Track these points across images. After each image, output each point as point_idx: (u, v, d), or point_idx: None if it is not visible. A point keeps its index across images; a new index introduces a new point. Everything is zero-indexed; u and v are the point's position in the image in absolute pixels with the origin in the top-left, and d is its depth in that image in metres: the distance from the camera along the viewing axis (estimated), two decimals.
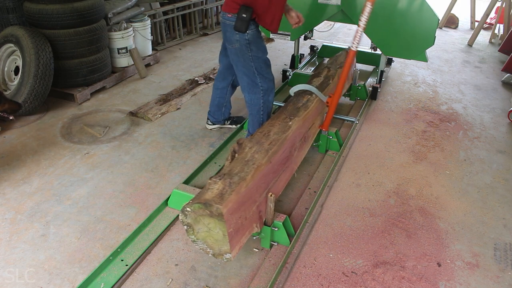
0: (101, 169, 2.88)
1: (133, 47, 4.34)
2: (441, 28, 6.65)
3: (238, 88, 3.07)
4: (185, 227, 1.83)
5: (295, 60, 4.40)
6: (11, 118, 2.81)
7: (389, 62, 4.81)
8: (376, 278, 2.11)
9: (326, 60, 4.91)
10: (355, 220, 2.49)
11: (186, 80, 4.35)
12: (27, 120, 3.46)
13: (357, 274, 2.13)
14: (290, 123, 2.51)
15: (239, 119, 3.46)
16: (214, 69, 4.63)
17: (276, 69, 4.69)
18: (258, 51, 2.73)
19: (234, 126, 3.43)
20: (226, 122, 3.43)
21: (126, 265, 2.08)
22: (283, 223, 2.22)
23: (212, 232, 1.82)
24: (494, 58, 5.42)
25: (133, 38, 4.37)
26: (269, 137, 2.31)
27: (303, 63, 4.65)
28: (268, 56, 2.83)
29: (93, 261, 2.14)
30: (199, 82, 4.29)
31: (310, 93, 2.89)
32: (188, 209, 1.78)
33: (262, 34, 2.90)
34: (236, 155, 2.17)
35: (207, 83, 4.28)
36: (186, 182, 2.64)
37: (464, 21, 6.94)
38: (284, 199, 2.66)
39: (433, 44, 3.57)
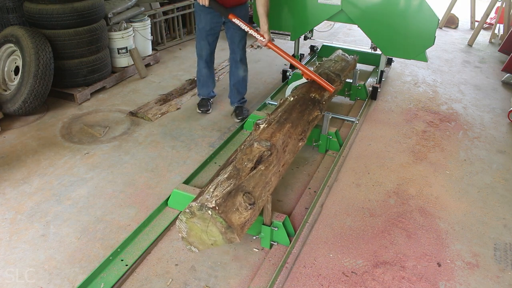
0: (101, 169, 2.88)
1: (133, 47, 4.34)
2: (441, 28, 6.65)
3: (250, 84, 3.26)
4: (187, 210, 1.78)
5: None
6: None
7: (389, 62, 4.81)
8: (376, 278, 2.11)
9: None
10: (355, 220, 2.49)
11: (186, 80, 4.35)
12: (27, 120, 3.47)
13: (357, 274, 2.13)
14: (300, 144, 2.54)
15: (240, 110, 3.54)
16: (214, 69, 4.63)
17: (276, 69, 4.70)
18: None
19: (233, 114, 3.59)
20: (233, 108, 3.65)
21: (126, 265, 2.09)
22: (283, 223, 2.22)
23: (205, 235, 1.80)
24: (494, 58, 5.41)
25: (133, 38, 4.38)
26: (285, 156, 2.30)
27: (303, 63, 4.65)
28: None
29: (93, 261, 2.14)
30: None
31: (320, 108, 2.86)
32: (209, 212, 1.74)
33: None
34: (261, 166, 2.05)
35: None
36: (186, 182, 2.64)
37: (464, 21, 6.94)
38: (284, 199, 2.66)
39: (433, 44, 3.58)
